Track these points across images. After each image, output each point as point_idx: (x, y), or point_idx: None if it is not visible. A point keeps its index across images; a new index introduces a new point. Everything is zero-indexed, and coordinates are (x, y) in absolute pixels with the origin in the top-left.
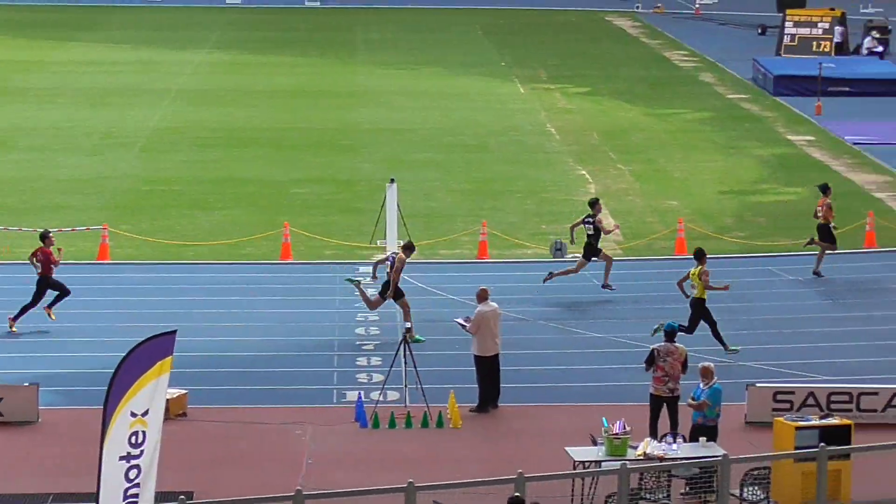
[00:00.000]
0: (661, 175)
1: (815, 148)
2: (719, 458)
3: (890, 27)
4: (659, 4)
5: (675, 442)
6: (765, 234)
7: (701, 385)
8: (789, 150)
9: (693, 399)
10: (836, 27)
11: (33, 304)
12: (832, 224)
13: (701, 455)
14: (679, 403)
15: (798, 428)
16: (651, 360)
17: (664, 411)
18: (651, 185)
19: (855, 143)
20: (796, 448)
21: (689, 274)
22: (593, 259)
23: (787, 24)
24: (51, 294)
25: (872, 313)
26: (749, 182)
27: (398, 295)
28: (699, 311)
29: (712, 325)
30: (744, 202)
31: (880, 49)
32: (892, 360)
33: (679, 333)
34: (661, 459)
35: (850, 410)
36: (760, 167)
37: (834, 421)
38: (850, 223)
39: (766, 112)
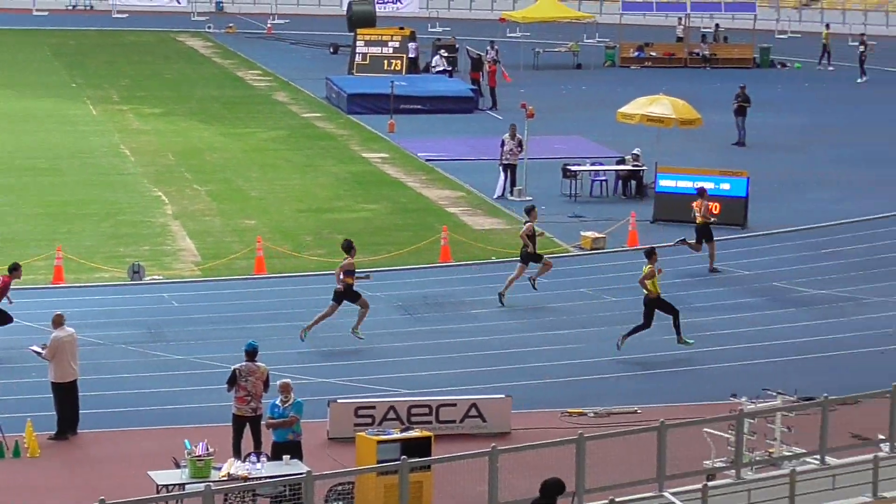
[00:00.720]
0: (239, 194)
1: (389, 165)
2: (303, 475)
3: (458, 46)
4: (230, 24)
5: (258, 461)
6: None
7: (278, 401)
8: (365, 168)
9: (272, 418)
10: (410, 43)
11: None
12: (712, 219)
13: (285, 473)
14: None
15: (379, 442)
16: (233, 380)
17: (248, 431)
18: (228, 204)
19: (428, 160)
20: (378, 462)
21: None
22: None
23: (358, 43)
24: None
25: (448, 326)
26: (326, 200)
27: (356, 297)
28: (653, 306)
29: (675, 314)
30: (321, 220)
31: (449, 68)
32: (468, 372)
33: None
34: (246, 479)
35: (430, 422)
36: (337, 185)
37: (414, 433)
38: (425, 238)
39: (341, 130)
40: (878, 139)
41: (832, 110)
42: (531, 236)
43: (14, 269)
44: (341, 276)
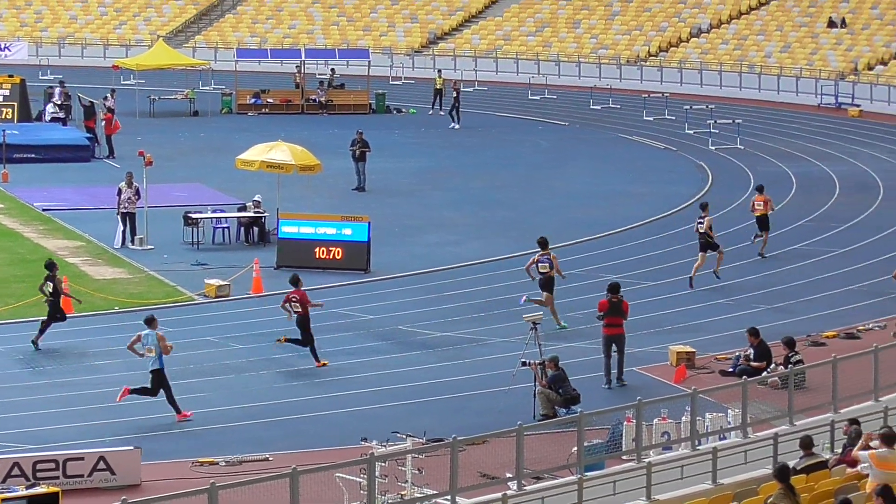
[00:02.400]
0: None
1: (4, 216)
2: None
3: (70, 94)
4: None
5: None
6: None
7: None
8: None
9: None
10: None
11: (307, 343)
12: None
13: None
14: None
15: (4, 500)
16: None
17: None
18: None
19: (45, 210)
20: None
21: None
22: (710, 252)
23: None
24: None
25: (72, 378)
26: None
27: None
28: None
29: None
30: None
31: (62, 115)
32: (94, 424)
33: None
34: None
35: (58, 478)
36: None
37: (41, 490)
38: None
39: None
40: (482, 182)
41: (444, 154)
42: (711, 227)
43: (297, 281)
44: (546, 271)
